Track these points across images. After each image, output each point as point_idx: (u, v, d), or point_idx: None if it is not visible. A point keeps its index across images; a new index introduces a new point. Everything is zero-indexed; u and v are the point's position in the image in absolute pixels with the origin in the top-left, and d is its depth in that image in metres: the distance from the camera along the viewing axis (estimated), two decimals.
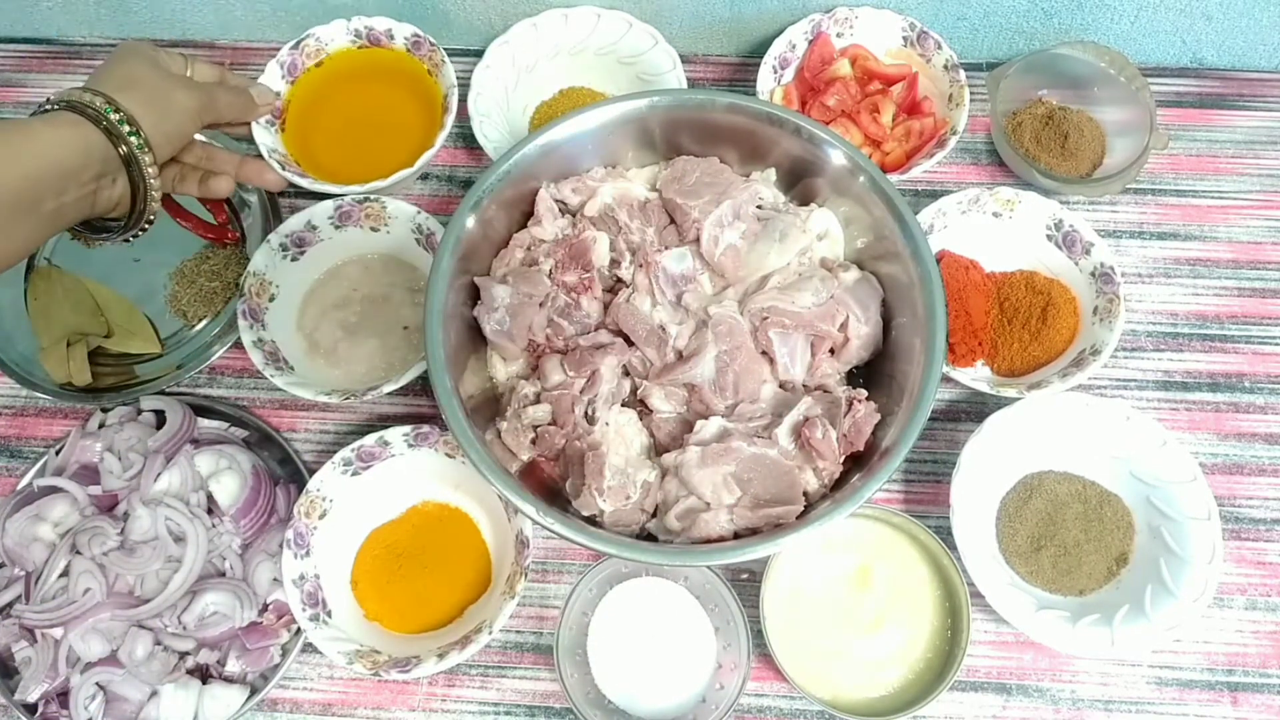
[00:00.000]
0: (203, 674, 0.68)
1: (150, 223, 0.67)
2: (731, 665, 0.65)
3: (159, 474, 0.69)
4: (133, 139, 0.61)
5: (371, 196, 0.78)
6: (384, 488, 0.72)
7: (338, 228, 0.79)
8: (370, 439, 0.70)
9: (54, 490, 0.70)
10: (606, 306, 0.68)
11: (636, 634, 0.66)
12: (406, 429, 0.70)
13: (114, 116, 0.61)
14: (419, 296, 0.79)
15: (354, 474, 0.71)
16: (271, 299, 0.77)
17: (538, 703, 0.69)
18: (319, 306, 0.79)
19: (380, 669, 0.64)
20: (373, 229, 0.80)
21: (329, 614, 0.67)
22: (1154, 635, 0.65)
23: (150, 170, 0.63)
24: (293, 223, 0.78)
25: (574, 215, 0.71)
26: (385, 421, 0.75)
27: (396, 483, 0.73)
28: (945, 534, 0.68)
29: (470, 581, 0.71)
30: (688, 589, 0.67)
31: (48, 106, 0.61)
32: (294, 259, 0.79)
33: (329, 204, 0.78)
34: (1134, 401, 0.78)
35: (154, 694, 0.65)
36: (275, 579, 0.69)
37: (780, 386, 0.67)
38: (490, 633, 0.64)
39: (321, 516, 0.70)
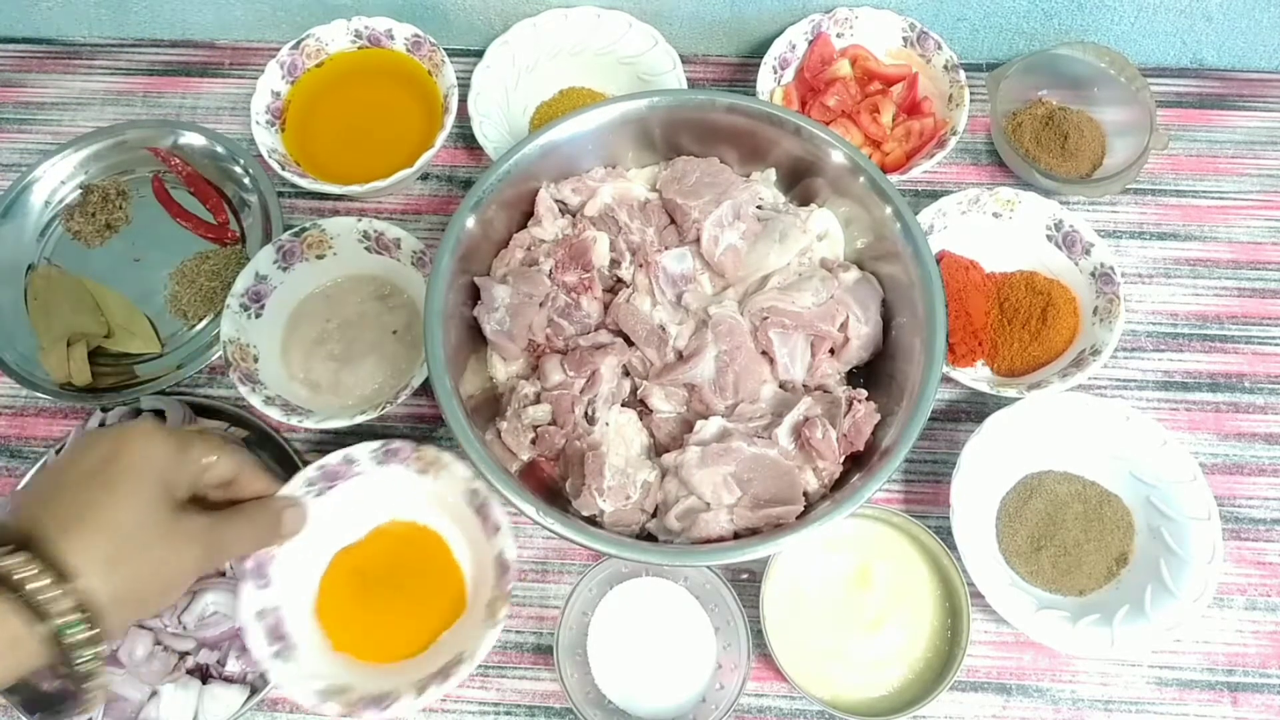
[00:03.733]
0: (203, 674, 0.67)
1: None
2: (731, 665, 0.65)
3: None
4: (73, 631, 0.41)
5: (311, 224, 0.76)
6: (350, 508, 0.65)
7: (285, 269, 0.77)
8: (335, 457, 0.64)
9: None
10: (606, 306, 0.68)
11: (636, 634, 0.66)
12: (375, 445, 0.64)
13: (41, 587, 0.40)
14: (393, 300, 0.78)
15: (318, 494, 0.63)
16: (256, 360, 0.75)
17: (538, 703, 0.69)
18: (300, 350, 0.77)
19: (354, 708, 0.58)
20: (318, 257, 0.78)
21: (292, 648, 0.61)
22: (1154, 635, 0.65)
23: (91, 665, 0.42)
24: (242, 280, 0.75)
25: (574, 215, 0.71)
26: (385, 421, 0.75)
27: (364, 502, 0.66)
28: (945, 534, 0.68)
29: (444, 606, 0.66)
30: (688, 589, 0.67)
31: None
32: (257, 315, 0.76)
33: (269, 249, 0.76)
34: (1134, 401, 0.78)
35: (154, 694, 0.65)
36: None
37: (780, 386, 0.67)
38: (472, 664, 0.59)
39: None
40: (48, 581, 0.40)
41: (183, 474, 0.50)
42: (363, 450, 0.64)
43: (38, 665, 0.41)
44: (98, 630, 0.41)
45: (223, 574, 0.69)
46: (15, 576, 0.40)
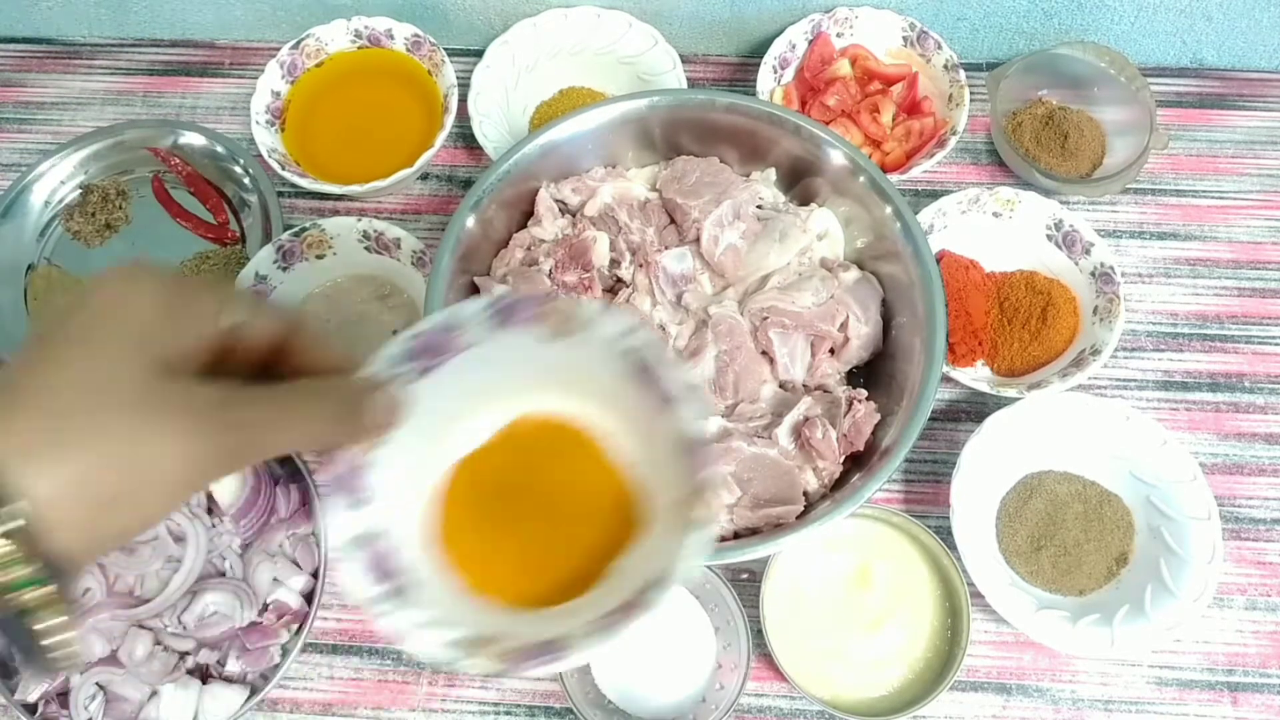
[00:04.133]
0: (203, 674, 0.68)
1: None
2: (731, 665, 0.65)
3: None
4: (22, 589, 0.27)
5: (311, 224, 0.76)
6: (461, 397, 0.46)
7: (284, 269, 0.77)
8: (433, 322, 0.44)
9: None
10: None
11: (636, 634, 0.66)
12: (484, 302, 0.44)
13: None
14: (393, 300, 0.78)
15: (415, 377, 0.43)
16: None
17: (538, 703, 0.69)
18: None
19: (508, 661, 0.39)
20: (318, 257, 0.78)
21: (410, 588, 0.42)
22: (1154, 635, 0.65)
23: (43, 614, 0.28)
24: (241, 281, 0.75)
25: (574, 215, 0.71)
26: None
27: (479, 388, 0.46)
28: (945, 534, 0.68)
29: (607, 526, 0.47)
30: (688, 589, 0.67)
31: None
32: None
33: (268, 249, 0.76)
34: (1134, 401, 0.78)
35: (154, 694, 0.65)
36: (275, 579, 0.69)
37: (780, 386, 0.67)
38: (668, 587, 0.40)
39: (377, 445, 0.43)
40: None
41: (181, 330, 0.33)
42: (469, 310, 0.44)
43: None
44: (37, 560, 0.27)
45: (222, 574, 0.69)
46: None
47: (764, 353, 0.66)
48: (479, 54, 0.86)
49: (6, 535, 0.26)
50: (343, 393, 0.37)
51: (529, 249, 0.69)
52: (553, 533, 0.46)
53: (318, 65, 0.86)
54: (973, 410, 0.77)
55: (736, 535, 0.60)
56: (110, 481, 0.29)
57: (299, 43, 0.85)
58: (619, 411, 0.47)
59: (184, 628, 0.66)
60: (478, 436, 0.48)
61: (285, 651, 0.68)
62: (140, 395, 0.30)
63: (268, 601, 0.69)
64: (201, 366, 0.33)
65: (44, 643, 0.29)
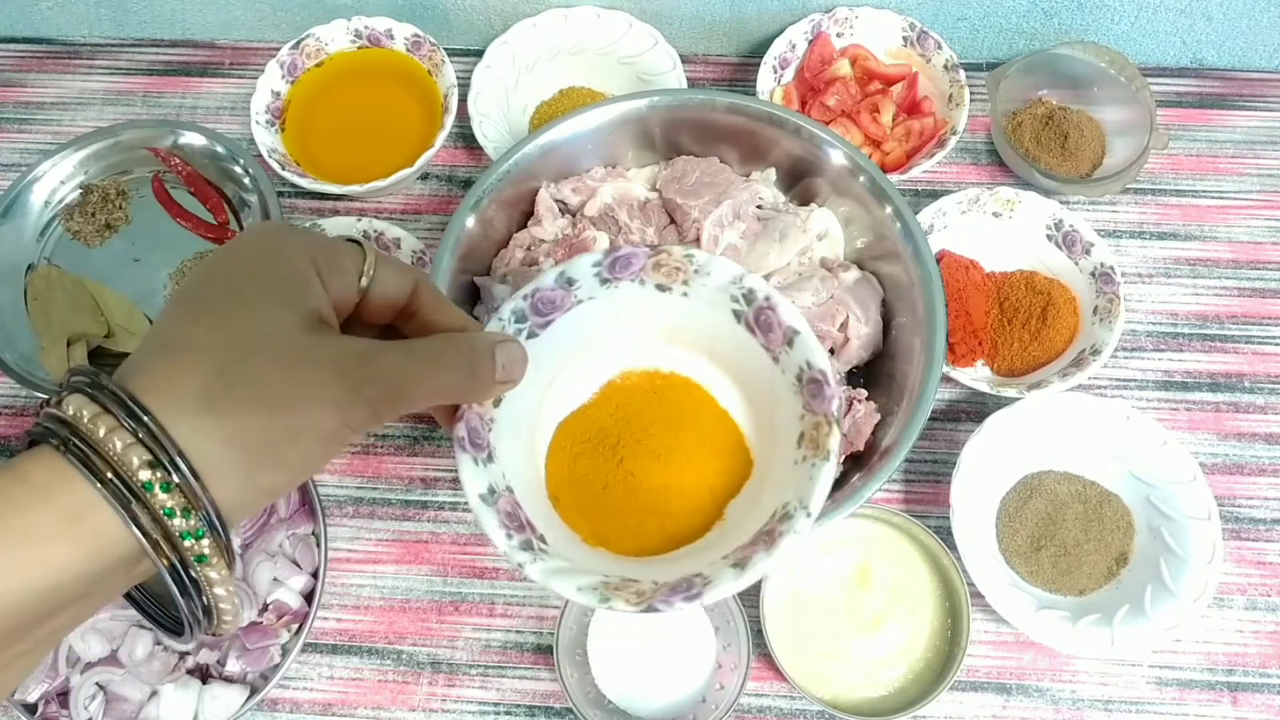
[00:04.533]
0: (203, 674, 0.68)
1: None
2: (731, 665, 0.65)
3: None
4: (187, 540, 0.28)
5: (311, 223, 0.76)
6: (569, 355, 0.46)
7: None
8: (548, 278, 0.44)
9: None
10: None
11: (636, 634, 0.66)
12: (596, 256, 0.44)
13: (159, 497, 0.27)
14: None
15: (529, 334, 0.45)
16: None
17: (538, 703, 0.69)
18: None
19: (649, 599, 0.39)
20: None
21: (543, 540, 0.42)
22: (1154, 635, 0.65)
23: (216, 579, 0.29)
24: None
25: (574, 215, 0.71)
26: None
27: (588, 343, 0.46)
28: (945, 534, 0.68)
29: (719, 467, 0.46)
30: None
31: (40, 434, 0.29)
32: None
33: None
34: (1134, 401, 0.78)
35: (154, 694, 0.65)
36: (275, 579, 0.69)
37: None
38: (811, 515, 0.40)
39: (496, 404, 0.43)
40: (169, 494, 0.27)
41: (330, 287, 0.33)
42: (582, 266, 0.45)
43: (121, 551, 0.28)
44: (202, 510, 0.28)
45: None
46: (144, 496, 0.27)
47: None
48: (479, 54, 0.86)
49: (173, 488, 0.27)
50: (474, 345, 0.36)
51: (529, 249, 0.69)
52: (665, 483, 0.45)
53: (318, 65, 0.86)
54: (973, 410, 0.77)
55: None
56: (268, 436, 0.29)
57: (299, 43, 0.85)
58: (727, 355, 0.47)
59: None
60: (584, 393, 0.47)
61: (285, 651, 0.68)
62: (295, 349, 0.30)
63: (268, 601, 0.69)
64: (335, 315, 0.34)
65: (210, 594, 0.30)
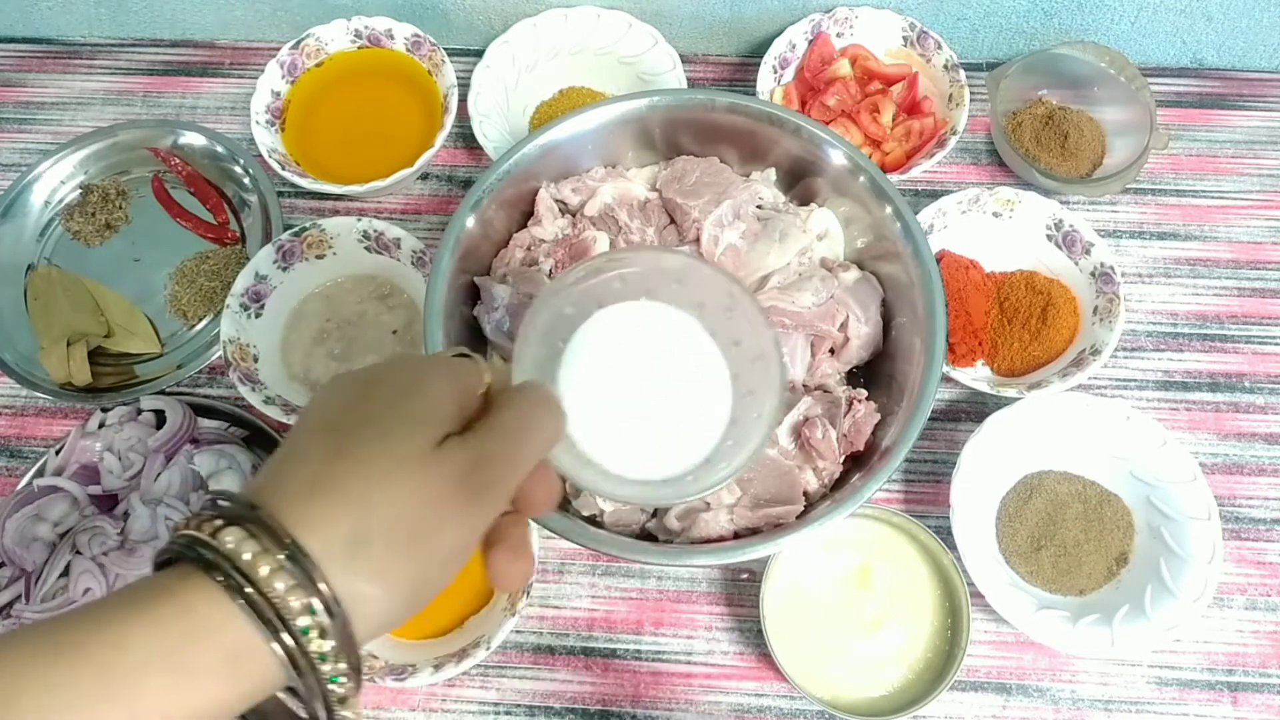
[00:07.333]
0: None
1: None
2: (755, 415, 0.46)
3: (159, 473, 0.69)
4: (334, 684, 0.29)
5: (311, 223, 0.77)
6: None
7: (284, 269, 0.77)
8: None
9: (54, 490, 0.70)
10: None
11: (626, 373, 0.48)
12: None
13: (314, 642, 0.29)
14: (393, 300, 0.78)
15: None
16: (255, 360, 0.75)
17: (538, 703, 0.69)
18: (300, 350, 0.77)
19: (376, 675, 0.65)
20: (318, 257, 0.78)
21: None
22: (1154, 635, 0.65)
23: (342, 685, 0.30)
24: (242, 280, 0.75)
25: (574, 215, 0.71)
26: None
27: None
28: (945, 534, 0.68)
29: (474, 592, 0.70)
30: (700, 322, 0.48)
31: (174, 551, 0.29)
32: (257, 315, 0.76)
33: (268, 249, 0.76)
34: (1134, 401, 0.78)
35: None
36: None
37: None
38: (488, 648, 0.65)
39: None
40: (316, 629, 0.28)
41: (463, 407, 0.35)
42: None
43: (271, 689, 0.29)
44: (348, 634, 0.29)
45: None
46: (236, 560, 0.28)
47: None
48: (479, 54, 0.86)
49: (328, 633, 0.29)
50: (532, 399, 0.36)
51: (529, 249, 0.69)
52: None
53: (318, 65, 0.86)
54: (973, 410, 0.77)
55: (736, 535, 0.60)
56: (412, 571, 0.31)
57: (299, 43, 0.85)
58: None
59: None
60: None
61: None
62: (428, 479, 0.31)
63: None
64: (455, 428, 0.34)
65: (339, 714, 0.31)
